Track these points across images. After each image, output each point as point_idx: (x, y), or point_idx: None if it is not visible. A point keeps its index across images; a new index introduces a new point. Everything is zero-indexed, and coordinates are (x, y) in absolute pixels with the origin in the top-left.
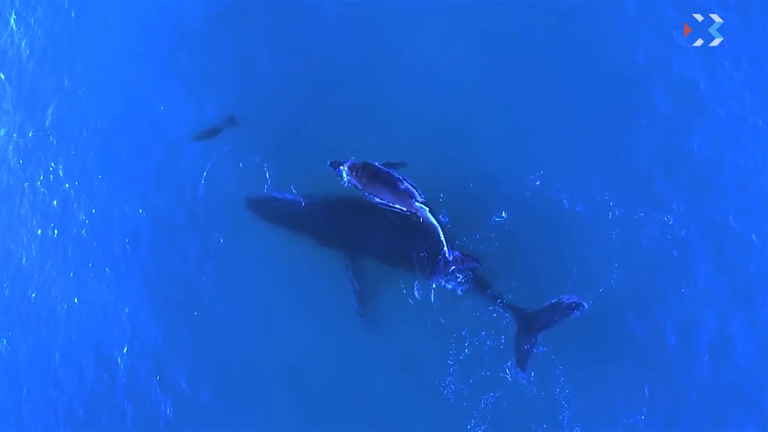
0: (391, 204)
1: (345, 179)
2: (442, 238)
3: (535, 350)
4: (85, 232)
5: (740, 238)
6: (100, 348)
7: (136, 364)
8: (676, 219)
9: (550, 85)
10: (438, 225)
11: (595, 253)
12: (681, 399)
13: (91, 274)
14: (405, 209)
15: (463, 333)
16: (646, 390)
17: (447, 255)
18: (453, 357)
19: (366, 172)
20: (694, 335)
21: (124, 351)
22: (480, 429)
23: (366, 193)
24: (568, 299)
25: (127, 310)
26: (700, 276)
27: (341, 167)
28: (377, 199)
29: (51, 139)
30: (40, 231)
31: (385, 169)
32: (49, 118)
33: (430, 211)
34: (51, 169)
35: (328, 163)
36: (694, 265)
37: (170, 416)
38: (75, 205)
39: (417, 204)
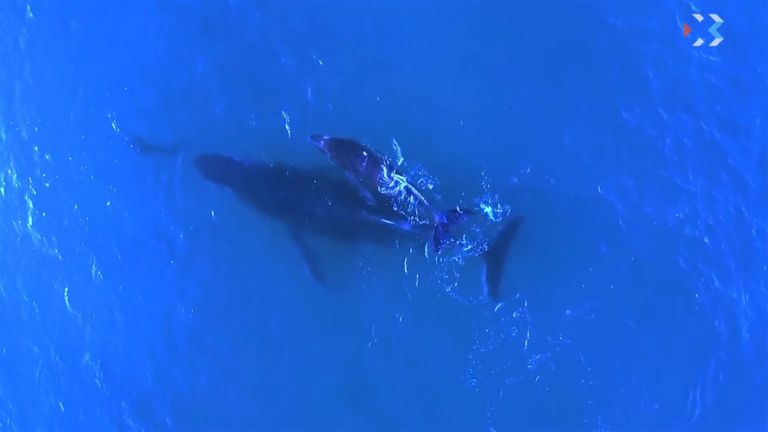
0: (365, 178)
1: (323, 151)
2: (426, 203)
3: (503, 272)
4: (68, 226)
5: (734, 232)
6: (94, 350)
7: (132, 364)
8: (686, 213)
9: (548, 84)
10: (419, 193)
11: (607, 249)
12: (703, 391)
13: (83, 272)
14: (380, 183)
15: (487, 330)
16: (668, 381)
17: (437, 219)
18: (474, 351)
19: (343, 145)
20: (714, 327)
21: (119, 351)
22: (499, 417)
23: (341, 166)
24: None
25: (117, 313)
26: (720, 267)
27: (321, 141)
28: (352, 174)
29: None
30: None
31: (362, 145)
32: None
33: (408, 182)
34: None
35: (309, 136)
36: (710, 258)
37: (168, 417)
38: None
39: (393, 175)
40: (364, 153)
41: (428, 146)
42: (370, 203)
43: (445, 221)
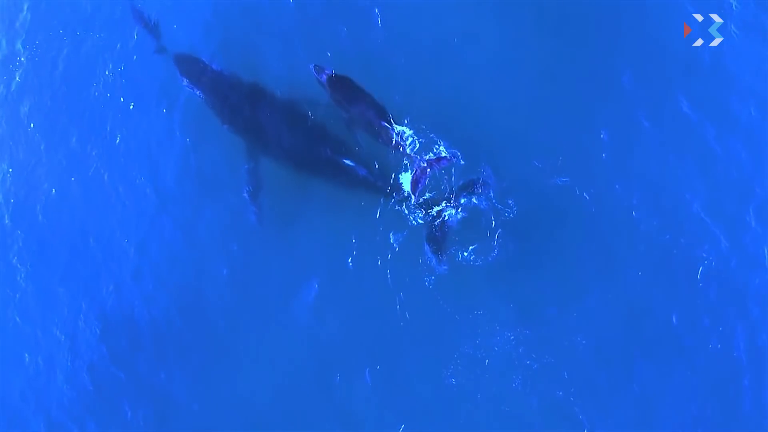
0: (358, 115)
1: (323, 84)
2: (408, 150)
3: (446, 236)
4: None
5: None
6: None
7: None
8: (686, 222)
9: (551, 84)
10: (400, 138)
11: (613, 264)
12: (691, 402)
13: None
14: (373, 124)
15: (478, 338)
16: (659, 407)
17: (417, 163)
18: (458, 350)
19: (345, 84)
20: (704, 338)
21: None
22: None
23: (337, 104)
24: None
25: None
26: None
27: (324, 74)
28: (348, 114)
29: None
30: None
31: (363, 87)
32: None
33: (390, 124)
34: None
35: (312, 65)
36: (721, 278)
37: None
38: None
39: (389, 123)
40: (365, 95)
41: (447, 122)
42: (360, 148)
43: (425, 165)
